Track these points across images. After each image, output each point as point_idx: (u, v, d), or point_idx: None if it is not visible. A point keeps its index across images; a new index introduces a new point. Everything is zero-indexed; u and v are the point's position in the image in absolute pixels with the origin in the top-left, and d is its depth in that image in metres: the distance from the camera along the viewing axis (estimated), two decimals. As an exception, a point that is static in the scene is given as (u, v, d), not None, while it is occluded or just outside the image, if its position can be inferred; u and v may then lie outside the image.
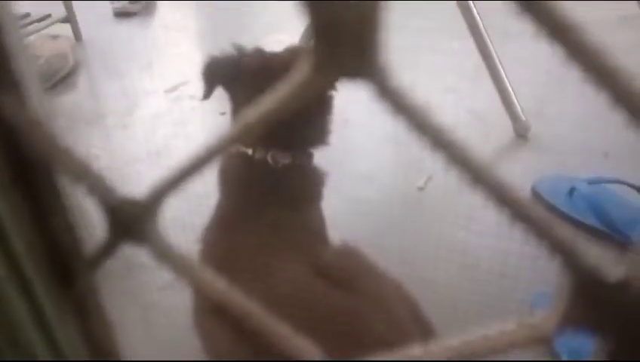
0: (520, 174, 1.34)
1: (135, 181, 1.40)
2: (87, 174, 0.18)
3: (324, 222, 0.92)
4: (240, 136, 0.16)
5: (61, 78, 1.93)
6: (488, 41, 1.48)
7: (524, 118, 1.48)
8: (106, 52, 2.26)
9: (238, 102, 0.89)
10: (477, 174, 0.14)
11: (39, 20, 2.08)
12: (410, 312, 0.83)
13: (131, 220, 0.18)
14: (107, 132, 1.71)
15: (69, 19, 2.23)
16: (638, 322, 0.14)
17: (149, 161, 1.49)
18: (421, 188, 1.36)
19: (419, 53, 2.05)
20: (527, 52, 1.93)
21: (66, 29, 2.23)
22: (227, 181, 0.89)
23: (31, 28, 1.98)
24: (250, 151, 0.86)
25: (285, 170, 0.85)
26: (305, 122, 0.87)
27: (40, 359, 0.21)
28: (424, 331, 0.84)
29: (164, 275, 1.11)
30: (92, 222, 0.21)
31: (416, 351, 0.18)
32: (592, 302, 0.15)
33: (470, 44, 1.52)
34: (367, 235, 1.20)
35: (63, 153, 0.18)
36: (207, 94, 0.89)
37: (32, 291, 0.21)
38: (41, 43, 1.91)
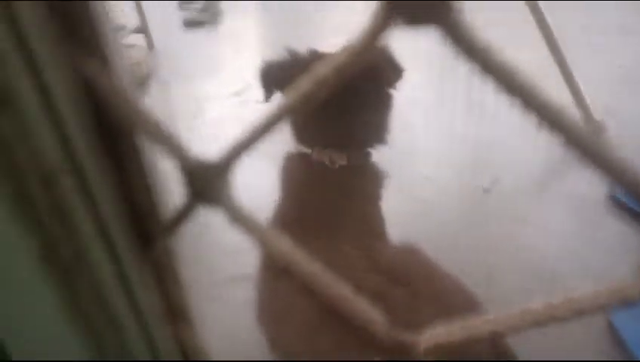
0: (595, 179, 1.26)
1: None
2: (165, 137, 0.19)
3: (384, 221, 0.91)
4: (314, 90, 0.16)
5: (135, 84, 2.04)
6: (557, 41, 1.42)
7: (597, 118, 1.40)
8: (176, 59, 2.37)
9: None
10: (551, 117, 0.13)
11: (115, 31, 2.21)
12: (471, 313, 0.80)
13: (205, 182, 0.19)
14: (177, 134, 1.79)
15: (143, 29, 2.36)
16: None
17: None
18: (487, 190, 1.31)
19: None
20: (599, 48, 1.83)
21: (139, 39, 2.37)
22: (287, 180, 0.91)
23: (109, 38, 2.11)
24: (309, 151, 0.87)
25: (342, 170, 0.85)
26: (361, 121, 0.87)
27: (121, 315, 0.23)
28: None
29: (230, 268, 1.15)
30: (171, 187, 0.22)
31: (496, 317, 0.18)
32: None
33: (537, 41, 1.46)
34: (430, 236, 1.17)
35: (144, 117, 0.19)
36: (266, 98, 0.91)
37: (117, 253, 0.22)
38: (118, 51, 2.03)
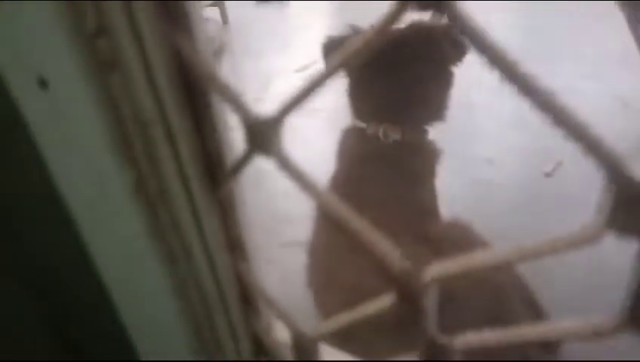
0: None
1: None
2: (232, 96, 0.24)
3: (436, 198, 0.94)
4: (348, 60, 0.20)
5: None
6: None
7: None
8: (247, 34, 2.46)
9: (356, 80, 0.93)
10: (556, 113, 0.17)
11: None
12: (520, 292, 0.82)
13: (261, 133, 0.24)
14: (241, 95, 1.88)
15: (218, 3, 2.45)
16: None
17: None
18: (548, 175, 1.29)
19: (557, 34, 1.91)
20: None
21: (215, 13, 2.47)
22: (343, 154, 0.95)
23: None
24: (365, 126, 0.91)
25: (396, 146, 0.87)
26: (420, 96, 0.88)
27: (192, 242, 0.29)
28: (534, 313, 0.83)
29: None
30: (236, 137, 0.28)
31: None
32: (630, 205, 0.17)
33: (616, 24, 1.39)
34: (488, 218, 1.18)
35: (217, 80, 0.24)
36: None
37: (191, 190, 0.28)
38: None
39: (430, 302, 0.25)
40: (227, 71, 2.18)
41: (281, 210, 1.27)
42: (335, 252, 0.82)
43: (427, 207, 0.93)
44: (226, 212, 0.29)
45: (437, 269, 0.23)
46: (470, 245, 0.82)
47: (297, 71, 2.01)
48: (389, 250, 0.24)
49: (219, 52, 2.22)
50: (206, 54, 0.26)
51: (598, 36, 1.80)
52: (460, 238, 0.83)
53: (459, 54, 0.91)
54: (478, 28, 0.17)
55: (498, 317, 0.71)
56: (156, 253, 0.29)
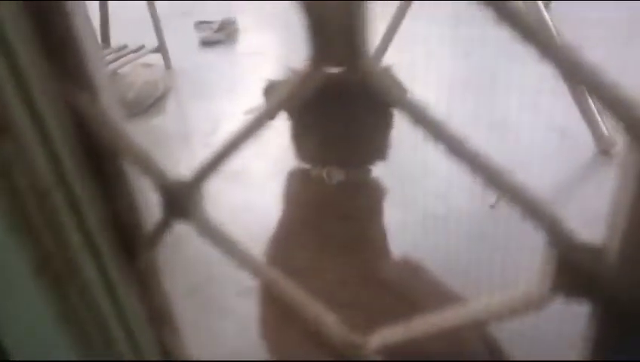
0: (602, 192, 1.26)
1: (217, 198, 1.49)
2: (142, 158, 0.22)
3: (385, 236, 0.93)
4: (268, 116, 0.18)
5: (152, 102, 2.10)
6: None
7: (606, 133, 1.40)
8: (193, 78, 2.43)
9: (297, 122, 0.92)
10: (489, 175, 0.15)
11: (134, 51, 2.29)
12: (475, 331, 0.81)
13: (179, 198, 0.22)
14: (193, 151, 1.84)
15: (161, 49, 2.43)
16: (618, 286, 0.15)
17: (231, 178, 1.58)
18: (493, 206, 1.32)
19: (496, 66, 2.00)
20: (608, 60, 1.83)
21: (157, 59, 2.44)
22: (288, 196, 0.93)
23: (127, 58, 2.19)
24: (309, 168, 0.89)
25: (340, 187, 0.86)
26: (361, 139, 0.88)
27: (108, 319, 0.25)
28: (490, 350, 0.82)
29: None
30: (152, 204, 0.25)
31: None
32: (574, 268, 0.16)
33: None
34: (435, 251, 1.18)
35: (126, 142, 0.22)
36: (272, 116, 0.93)
37: (103, 261, 0.25)
38: (136, 71, 2.10)
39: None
40: (173, 116, 2.14)
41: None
42: (284, 303, 0.79)
43: (376, 247, 0.92)
44: (147, 282, 0.26)
45: (380, 338, 0.21)
46: (422, 285, 0.81)
47: (246, 113, 1.99)
48: (329, 320, 0.22)
49: (163, 97, 2.18)
50: (113, 114, 0.23)
51: (534, 66, 1.90)
52: (413, 280, 0.82)
53: (400, 96, 0.92)
54: (399, 85, 0.16)
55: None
56: (68, 338, 0.26)
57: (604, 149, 1.41)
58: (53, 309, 0.25)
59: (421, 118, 0.15)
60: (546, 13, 1.44)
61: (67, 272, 0.24)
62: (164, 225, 0.23)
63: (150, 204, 0.25)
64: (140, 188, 0.25)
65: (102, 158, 0.23)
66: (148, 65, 2.23)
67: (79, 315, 0.25)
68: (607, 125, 1.41)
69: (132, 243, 0.25)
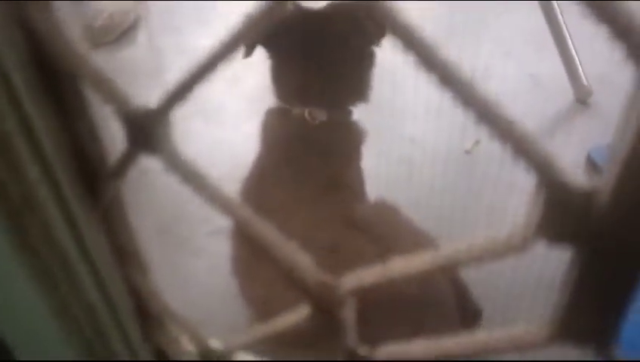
0: (577, 141, 1.28)
1: (190, 137, 1.46)
2: (104, 82, 0.20)
3: (362, 179, 0.93)
4: (240, 36, 0.17)
5: (122, 32, 2.00)
6: (554, 2, 1.40)
7: (585, 83, 1.40)
8: (166, 8, 2.31)
9: (278, 62, 0.90)
10: (480, 109, 0.14)
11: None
12: (446, 275, 0.83)
13: (144, 128, 0.20)
14: (165, 86, 1.77)
15: (132, -25, 2.28)
16: (605, 233, 0.14)
17: (204, 117, 1.54)
18: (468, 152, 1.33)
19: (482, 17, 1.96)
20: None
21: (128, -14, 2.29)
22: (266, 136, 0.91)
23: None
24: (289, 107, 0.88)
25: (322, 127, 0.86)
26: (343, 78, 0.87)
27: (70, 257, 0.24)
28: (459, 292, 0.85)
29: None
30: (117, 134, 0.23)
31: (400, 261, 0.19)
32: (563, 211, 0.15)
33: (535, 4, 1.44)
34: (411, 195, 1.19)
35: (83, 61, 0.20)
36: (248, 52, 0.90)
37: (63, 194, 0.23)
38: (105, -2, 1.98)
39: (349, 313, 0.22)
40: (145, 48, 2.04)
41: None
42: (256, 242, 0.79)
43: (354, 188, 0.92)
44: (111, 219, 0.25)
45: (354, 280, 0.20)
46: (398, 227, 0.82)
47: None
48: (302, 260, 0.21)
49: (133, 27, 2.07)
50: (69, 30, 0.21)
51: (516, 17, 1.86)
52: (388, 220, 0.83)
53: (380, 34, 0.90)
54: (392, 8, 0.14)
55: (427, 312, 0.71)
56: (28, 271, 0.24)
57: (581, 98, 1.41)
58: (12, 244, 0.23)
59: (414, 42, 0.14)
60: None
61: (24, 205, 0.23)
62: (129, 158, 0.22)
63: (114, 135, 0.23)
64: (102, 116, 0.23)
65: (59, 82, 0.21)
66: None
67: (39, 251, 0.24)
68: (587, 74, 1.41)
69: (94, 177, 0.23)
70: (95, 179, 0.23)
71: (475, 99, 0.14)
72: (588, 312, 0.17)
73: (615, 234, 0.14)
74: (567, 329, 0.17)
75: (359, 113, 0.98)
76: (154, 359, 0.32)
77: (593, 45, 1.56)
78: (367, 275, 0.20)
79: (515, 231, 0.16)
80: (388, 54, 0.92)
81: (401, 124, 1.47)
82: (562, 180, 0.15)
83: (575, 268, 0.16)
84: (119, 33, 1.99)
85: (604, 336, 0.16)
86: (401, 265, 0.19)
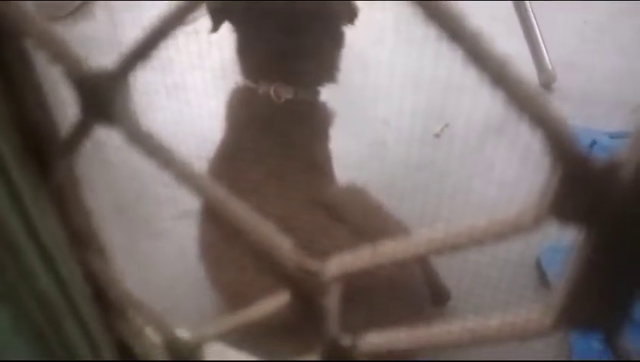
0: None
1: (153, 112, 1.40)
2: (52, 41, 0.17)
3: (330, 160, 0.91)
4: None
5: (78, 6, 1.90)
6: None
7: (550, 68, 1.41)
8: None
9: (244, 37, 0.87)
10: (493, 70, 0.12)
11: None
12: (417, 263, 0.83)
13: (100, 94, 0.17)
14: (65, 40, 1.69)
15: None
16: (626, 211, 0.13)
17: (165, 92, 1.48)
18: (437, 135, 1.33)
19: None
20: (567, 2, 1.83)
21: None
22: (232, 114, 0.89)
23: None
24: (255, 85, 0.85)
25: (288, 105, 0.83)
26: (310, 56, 0.84)
27: (18, 240, 0.21)
28: (426, 273, 0.85)
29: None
30: (68, 103, 0.20)
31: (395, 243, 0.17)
32: (579, 188, 0.13)
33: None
34: (381, 178, 1.19)
35: (28, 20, 0.17)
36: (214, 28, 0.86)
37: (7, 170, 0.20)
38: (60, -32, 1.87)
39: (332, 301, 0.21)
40: (103, 22, 1.95)
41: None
42: (224, 224, 0.77)
43: (321, 168, 0.91)
44: (64, 197, 0.22)
45: (339, 265, 0.19)
46: (366, 209, 0.81)
47: (183, 24, 1.85)
48: (282, 243, 0.19)
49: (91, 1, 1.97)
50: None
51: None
52: (357, 203, 0.82)
53: (350, 14, 0.88)
54: None
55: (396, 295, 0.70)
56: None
57: (545, 83, 1.43)
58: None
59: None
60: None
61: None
62: (83, 129, 0.19)
63: (64, 102, 0.20)
64: (50, 81, 0.20)
65: (3, 41, 0.18)
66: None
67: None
68: (551, 58, 1.43)
69: (43, 151, 0.20)
70: (44, 153, 0.20)
71: (483, 51, 0.13)
72: (596, 297, 0.15)
73: (638, 214, 0.13)
74: (572, 316, 0.16)
75: (329, 94, 0.96)
76: (116, 350, 0.30)
77: (560, 31, 1.59)
78: (353, 260, 0.18)
79: (524, 209, 0.15)
80: (360, 36, 0.90)
81: (374, 107, 1.45)
82: (580, 153, 0.13)
83: (585, 250, 0.15)
84: (76, 6, 1.89)
85: (613, 323, 0.15)
86: (392, 250, 0.17)
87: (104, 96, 0.17)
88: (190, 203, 1.02)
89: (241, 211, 0.18)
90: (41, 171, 0.21)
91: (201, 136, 1.11)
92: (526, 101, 0.13)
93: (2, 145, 0.20)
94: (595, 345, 0.80)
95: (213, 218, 0.80)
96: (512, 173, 1.19)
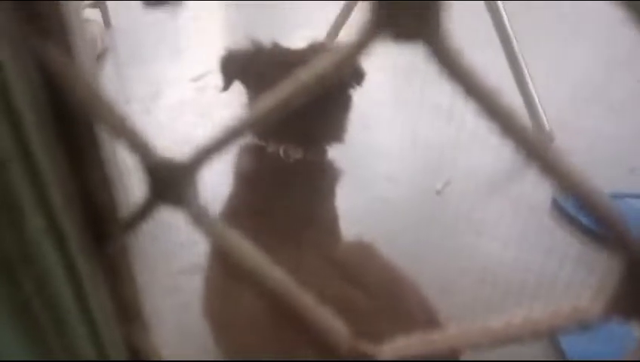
0: (541, 186, 1.32)
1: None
2: (127, 130, 0.18)
3: (337, 218, 0.92)
4: (293, 97, 0.15)
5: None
6: (516, 46, 1.46)
7: (547, 128, 1.45)
8: (133, 39, 2.28)
9: (254, 96, 0.90)
10: (528, 147, 0.13)
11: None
12: (422, 312, 0.82)
13: (170, 181, 0.18)
14: (131, 117, 1.73)
15: (99, 4, 2.26)
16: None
17: (171, 149, 1.51)
18: (439, 192, 1.35)
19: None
20: (558, 59, 1.91)
21: (96, 15, 2.26)
22: (240, 172, 0.90)
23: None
24: (264, 144, 0.87)
25: (297, 165, 0.85)
26: (320, 117, 0.87)
27: (69, 315, 0.22)
28: (435, 329, 0.84)
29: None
30: (131, 182, 0.21)
31: (439, 335, 0.18)
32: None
33: (496, 49, 1.50)
34: (385, 234, 1.19)
35: (105, 107, 0.18)
36: (225, 86, 0.89)
37: (67, 246, 0.21)
38: (72, 26, 1.94)
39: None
40: (111, 78, 2.00)
41: (183, 231, 1.17)
42: (231, 282, 0.76)
43: (329, 227, 0.91)
44: (117, 274, 0.23)
45: (394, 350, 0.19)
46: (374, 268, 0.81)
47: (193, 80, 1.90)
48: (334, 324, 0.19)
49: (100, 57, 2.03)
50: (89, 72, 0.19)
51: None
52: (364, 261, 0.82)
53: (358, 79, 0.91)
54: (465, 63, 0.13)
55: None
56: (22, 330, 0.22)
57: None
58: (5, 302, 0.21)
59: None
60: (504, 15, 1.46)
61: (22, 259, 0.20)
62: (148, 208, 0.20)
63: (129, 184, 0.21)
64: (117, 163, 0.21)
65: (74, 125, 0.19)
66: (84, 21, 2.06)
67: (35, 309, 0.21)
68: (550, 120, 1.47)
69: (104, 229, 0.21)
70: (105, 231, 0.21)
71: (520, 131, 0.14)
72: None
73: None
74: (625, 304, 0.15)
75: (334, 152, 0.98)
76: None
77: (555, 91, 1.65)
78: (409, 346, 0.19)
79: (579, 305, 0.15)
80: (363, 95, 0.93)
81: (377, 164, 1.48)
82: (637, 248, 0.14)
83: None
84: (95, 70, 1.94)
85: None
86: (449, 337, 0.18)
87: (175, 184, 0.18)
88: (195, 257, 1.02)
89: (297, 295, 0.19)
90: (100, 246, 0.21)
91: (207, 193, 1.12)
92: (572, 182, 0.14)
93: (64, 221, 0.21)
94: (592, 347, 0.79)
95: (218, 279, 0.79)
96: (516, 228, 1.20)
